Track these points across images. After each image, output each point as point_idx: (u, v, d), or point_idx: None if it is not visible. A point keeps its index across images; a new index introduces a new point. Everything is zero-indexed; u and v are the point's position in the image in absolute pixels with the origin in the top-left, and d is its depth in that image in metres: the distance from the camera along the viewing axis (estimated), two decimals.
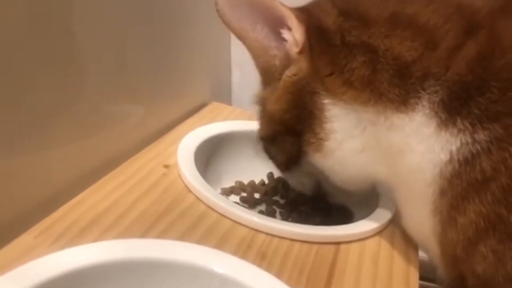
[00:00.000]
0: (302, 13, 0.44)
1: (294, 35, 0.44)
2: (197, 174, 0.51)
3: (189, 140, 0.59)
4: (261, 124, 0.49)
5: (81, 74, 0.47)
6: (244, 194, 0.62)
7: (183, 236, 0.43)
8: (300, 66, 0.44)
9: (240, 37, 0.45)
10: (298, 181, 0.54)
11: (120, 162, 0.53)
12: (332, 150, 0.44)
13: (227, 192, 0.62)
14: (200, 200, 0.48)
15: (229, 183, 0.63)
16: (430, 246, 0.43)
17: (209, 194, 0.48)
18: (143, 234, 0.42)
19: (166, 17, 0.63)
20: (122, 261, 0.34)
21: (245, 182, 0.63)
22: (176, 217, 0.45)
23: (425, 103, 0.39)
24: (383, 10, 0.42)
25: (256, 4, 0.44)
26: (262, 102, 0.49)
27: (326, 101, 0.43)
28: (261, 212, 0.56)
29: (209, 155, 0.62)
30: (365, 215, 0.52)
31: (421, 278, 0.45)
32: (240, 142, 0.64)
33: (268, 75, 0.47)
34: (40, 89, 0.42)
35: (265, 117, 0.48)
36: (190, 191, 0.50)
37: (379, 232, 0.49)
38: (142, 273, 0.35)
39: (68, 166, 0.47)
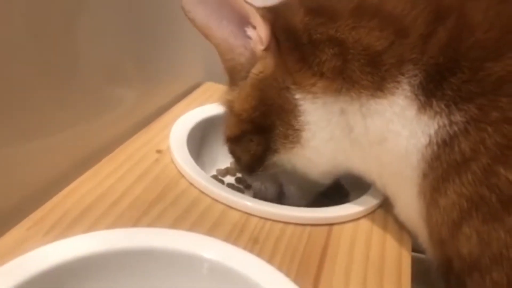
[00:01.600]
0: (269, 12, 0.45)
1: (259, 32, 0.44)
2: (190, 159, 0.51)
3: (182, 123, 0.58)
4: (227, 126, 0.49)
5: (73, 58, 0.47)
6: (239, 175, 0.62)
7: (175, 223, 0.43)
8: (266, 63, 0.44)
9: (205, 35, 0.45)
10: (261, 185, 0.54)
11: (113, 148, 0.53)
12: (309, 139, 0.45)
13: (222, 173, 0.62)
14: (192, 185, 0.49)
15: (224, 164, 0.63)
16: (418, 231, 0.44)
17: (202, 179, 0.48)
18: (135, 223, 0.42)
19: None
20: (112, 252, 0.35)
21: None
22: (169, 204, 0.45)
23: (405, 86, 0.39)
24: (349, 2, 0.42)
25: (222, 1, 0.43)
26: (228, 104, 0.48)
27: (297, 95, 0.43)
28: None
29: (203, 137, 0.62)
30: (360, 194, 0.53)
31: (414, 250, 0.46)
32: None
33: (235, 74, 0.47)
34: (29, 74, 0.41)
35: (232, 118, 0.48)
36: (183, 176, 0.50)
37: (372, 212, 0.50)
38: (133, 262, 0.35)
39: (60, 155, 0.47)
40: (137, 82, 0.61)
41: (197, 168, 0.50)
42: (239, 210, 0.46)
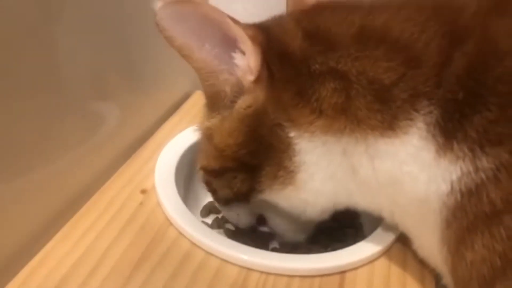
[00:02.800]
0: (260, 32, 0.37)
1: (248, 60, 0.36)
2: (179, 201, 0.46)
3: (168, 153, 0.52)
4: (205, 155, 0.42)
5: (51, 72, 0.41)
6: None
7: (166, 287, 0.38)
8: (256, 96, 0.37)
9: (184, 56, 0.37)
10: (236, 216, 0.48)
11: (93, 191, 0.47)
12: (305, 181, 0.39)
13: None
14: (183, 235, 0.43)
15: None
16: (442, 273, 0.39)
17: (193, 229, 0.42)
18: None
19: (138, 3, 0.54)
20: None
21: None
22: (157, 264, 0.40)
23: (420, 125, 0.34)
24: (349, 27, 0.35)
25: (205, 20, 0.36)
26: (207, 131, 0.41)
27: (292, 133, 0.37)
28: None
29: (195, 162, 0.56)
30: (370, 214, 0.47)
31: None
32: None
33: (216, 101, 0.40)
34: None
35: (211, 149, 0.41)
36: (171, 224, 0.44)
37: (387, 251, 0.44)
38: None
39: (29, 209, 0.41)
40: (121, 97, 0.54)
41: (187, 212, 0.45)
42: (237, 265, 0.40)
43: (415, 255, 0.43)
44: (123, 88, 0.55)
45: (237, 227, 0.50)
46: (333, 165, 0.38)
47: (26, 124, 0.39)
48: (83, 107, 0.48)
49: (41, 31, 0.40)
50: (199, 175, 0.51)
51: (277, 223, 0.47)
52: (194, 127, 0.53)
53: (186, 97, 0.68)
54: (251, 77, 0.37)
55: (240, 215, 0.47)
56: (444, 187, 0.33)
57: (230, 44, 0.37)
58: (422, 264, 0.42)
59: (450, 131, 0.33)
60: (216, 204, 0.49)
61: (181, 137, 0.55)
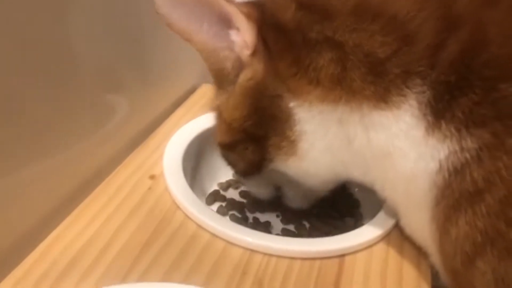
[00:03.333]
0: (255, 8, 0.39)
1: (244, 36, 0.39)
2: (186, 186, 0.47)
3: (176, 141, 0.54)
4: (218, 131, 0.45)
5: (64, 65, 0.43)
6: (243, 188, 0.58)
7: (172, 268, 0.39)
8: (255, 69, 0.39)
9: (186, 39, 0.40)
10: (256, 188, 0.51)
11: (103, 175, 0.49)
12: (306, 150, 0.41)
13: (224, 187, 0.58)
14: (189, 218, 0.45)
15: (226, 176, 0.59)
16: (430, 251, 0.40)
17: (199, 212, 0.44)
18: (127, 272, 0.38)
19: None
20: None
21: None
22: (164, 244, 0.42)
23: (412, 102, 0.35)
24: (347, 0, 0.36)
25: (199, 2, 0.38)
26: (217, 109, 0.44)
27: (291, 103, 0.39)
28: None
29: (201, 151, 0.58)
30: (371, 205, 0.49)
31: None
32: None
33: (222, 78, 0.42)
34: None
35: (223, 125, 0.43)
36: (178, 207, 0.46)
37: (386, 237, 0.45)
38: None
39: (44, 191, 0.43)
40: (130, 89, 0.56)
41: (194, 197, 0.46)
42: (241, 247, 0.42)
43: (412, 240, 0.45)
44: (133, 81, 0.57)
45: (242, 215, 0.52)
46: (330, 134, 0.40)
47: (43, 115, 0.41)
48: (96, 98, 0.50)
49: (54, 24, 0.41)
50: (206, 161, 0.55)
51: (287, 191, 0.50)
52: (202, 116, 0.56)
53: (193, 89, 0.70)
54: (247, 51, 0.39)
55: (259, 187, 0.50)
56: (433, 165, 0.35)
57: (226, 22, 0.39)
58: (419, 250, 0.44)
59: (440, 111, 0.34)
60: (237, 178, 0.53)
61: (188, 127, 0.57)
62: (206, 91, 0.69)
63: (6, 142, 0.38)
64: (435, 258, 0.39)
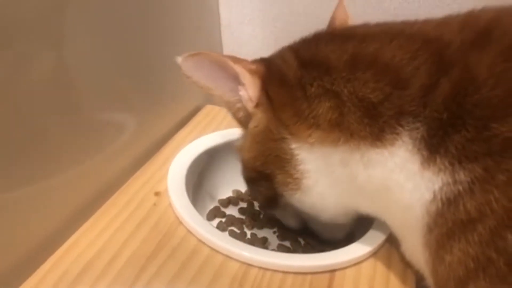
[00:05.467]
0: (262, 65, 0.45)
1: (248, 91, 0.45)
2: (188, 203, 0.51)
3: (180, 159, 0.58)
4: (241, 168, 0.50)
5: (69, 84, 0.47)
6: (242, 205, 0.62)
7: (174, 279, 0.43)
8: (259, 118, 0.45)
9: (208, 94, 0.46)
10: (283, 218, 0.55)
11: (112, 191, 0.53)
12: (311, 186, 0.45)
13: (225, 203, 0.62)
14: (191, 233, 0.48)
15: (226, 193, 0.63)
16: (425, 275, 0.43)
17: (200, 227, 0.48)
18: (134, 281, 0.42)
19: (155, 16, 0.61)
20: None
21: (243, 190, 0.63)
22: (168, 256, 0.45)
23: (406, 139, 0.38)
24: (343, 53, 0.41)
25: (215, 64, 0.44)
26: (238, 150, 0.50)
27: (293, 145, 0.44)
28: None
29: (203, 169, 0.61)
30: (363, 222, 0.52)
31: None
32: (234, 151, 0.63)
33: (240, 125, 0.49)
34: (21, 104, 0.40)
35: (242, 164, 0.50)
36: (181, 223, 0.49)
37: (374, 254, 0.49)
38: None
39: (57, 205, 0.47)
40: (137, 109, 0.60)
41: (195, 213, 0.50)
42: (238, 261, 0.45)
43: (399, 258, 0.48)
44: (141, 102, 0.61)
45: (241, 230, 0.56)
46: (332, 172, 0.43)
47: (56, 134, 0.45)
48: (106, 118, 0.54)
49: (63, 44, 0.45)
50: (208, 178, 0.60)
51: (313, 224, 0.54)
52: (205, 136, 0.61)
53: (197, 110, 0.74)
54: (251, 104, 0.45)
55: (285, 218, 0.55)
56: (427, 196, 0.37)
57: (236, 80, 0.45)
58: (405, 266, 0.47)
59: (434, 146, 0.37)
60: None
61: (192, 146, 0.61)
62: (209, 112, 0.73)
63: (21, 159, 0.41)
64: (429, 281, 0.41)
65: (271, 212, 0.55)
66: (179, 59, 0.43)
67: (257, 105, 0.45)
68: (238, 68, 0.44)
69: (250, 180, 0.50)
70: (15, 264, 0.42)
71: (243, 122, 0.48)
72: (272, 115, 0.44)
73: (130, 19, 0.55)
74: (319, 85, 0.41)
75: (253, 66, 0.45)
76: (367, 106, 0.39)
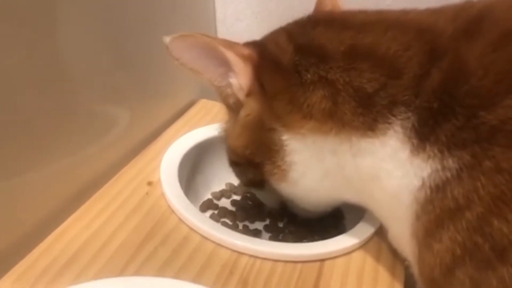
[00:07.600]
0: (255, 50, 0.44)
1: (239, 79, 0.44)
2: (180, 193, 0.51)
3: (173, 151, 0.58)
4: (227, 150, 0.50)
5: (64, 75, 0.46)
6: (235, 197, 0.62)
7: (164, 266, 0.43)
8: (251, 107, 0.44)
9: (196, 76, 0.45)
10: (263, 197, 0.56)
11: (104, 180, 0.53)
12: (296, 179, 0.45)
13: (218, 196, 0.62)
14: (182, 221, 0.48)
15: (219, 186, 0.63)
16: (412, 264, 0.43)
17: (192, 216, 0.48)
18: (123, 268, 0.42)
19: (150, 10, 0.61)
20: None
21: (236, 183, 0.63)
22: (159, 244, 0.45)
23: (397, 128, 0.38)
24: (340, 44, 0.40)
25: (205, 47, 0.43)
26: (224, 132, 0.50)
27: (284, 136, 0.43)
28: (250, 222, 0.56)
29: (196, 161, 0.62)
30: (356, 217, 0.52)
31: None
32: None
33: (228, 109, 0.48)
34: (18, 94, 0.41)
35: (227, 147, 0.49)
36: (173, 211, 0.50)
37: (364, 245, 0.49)
38: None
39: (50, 192, 0.47)
40: (132, 101, 0.60)
41: (188, 202, 0.50)
42: (228, 249, 0.46)
43: (389, 249, 0.48)
44: (135, 95, 0.61)
45: (233, 222, 0.56)
46: (322, 163, 0.43)
47: (50, 124, 0.45)
48: (100, 110, 0.54)
49: (56, 36, 0.45)
50: (201, 171, 0.60)
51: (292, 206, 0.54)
52: (199, 129, 0.60)
53: (191, 104, 0.74)
54: (242, 93, 0.44)
55: (265, 197, 0.55)
56: (416, 182, 0.38)
57: (227, 65, 0.44)
58: (394, 257, 0.47)
59: (425, 134, 0.37)
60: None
61: (185, 139, 0.61)
62: (204, 106, 0.74)
63: (16, 148, 0.42)
64: (415, 268, 0.41)
65: (253, 191, 0.55)
66: (167, 39, 0.42)
67: (248, 94, 0.44)
68: (230, 55, 0.42)
69: (236, 164, 0.50)
70: (4, 250, 0.42)
71: (233, 109, 0.47)
72: (265, 105, 0.43)
73: (125, 12, 0.55)
74: (315, 72, 0.41)
75: (246, 52, 0.43)
76: (361, 95, 0.39)
